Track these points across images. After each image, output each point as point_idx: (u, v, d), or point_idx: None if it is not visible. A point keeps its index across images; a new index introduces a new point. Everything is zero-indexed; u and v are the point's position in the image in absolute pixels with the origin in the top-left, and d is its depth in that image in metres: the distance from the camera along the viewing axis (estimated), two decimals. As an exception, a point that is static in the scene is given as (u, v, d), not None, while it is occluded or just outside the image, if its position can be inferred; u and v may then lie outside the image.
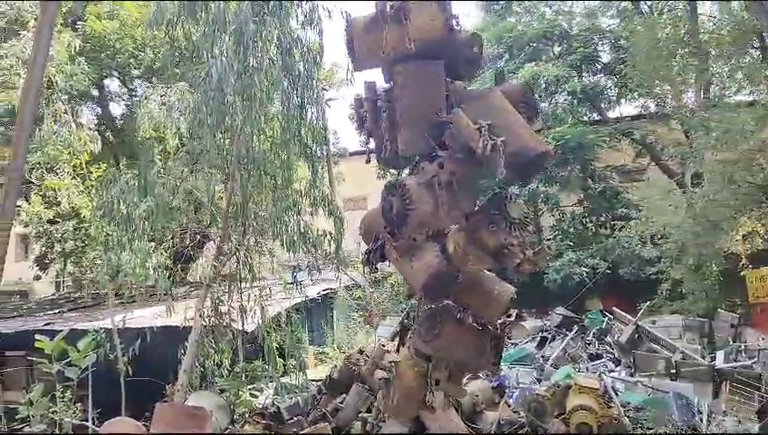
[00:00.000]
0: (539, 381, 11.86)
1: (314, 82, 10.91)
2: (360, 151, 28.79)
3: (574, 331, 15.64)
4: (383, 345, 7.76)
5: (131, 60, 19.41)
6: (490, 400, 7.68)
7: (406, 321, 7.85)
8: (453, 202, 5.84)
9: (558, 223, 21.57)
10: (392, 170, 8.40)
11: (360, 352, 9.05)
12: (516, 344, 15.30)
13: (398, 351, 6.99)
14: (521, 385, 10.97)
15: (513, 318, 6.66)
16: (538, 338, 15.79)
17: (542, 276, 18.72)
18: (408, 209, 5.77)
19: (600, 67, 23.31)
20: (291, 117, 10.36)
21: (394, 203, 5.87)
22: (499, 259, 6.05)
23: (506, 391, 9.54)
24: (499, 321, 6.56)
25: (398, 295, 19.90)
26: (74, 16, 18.94)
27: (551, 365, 12.83)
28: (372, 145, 6.94)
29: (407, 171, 7.30)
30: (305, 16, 10.48)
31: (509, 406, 8.56)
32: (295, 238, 10.43)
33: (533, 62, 22.42)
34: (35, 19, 12.02)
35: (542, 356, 14.07)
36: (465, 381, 7.30)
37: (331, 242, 11.16)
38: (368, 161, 6.86)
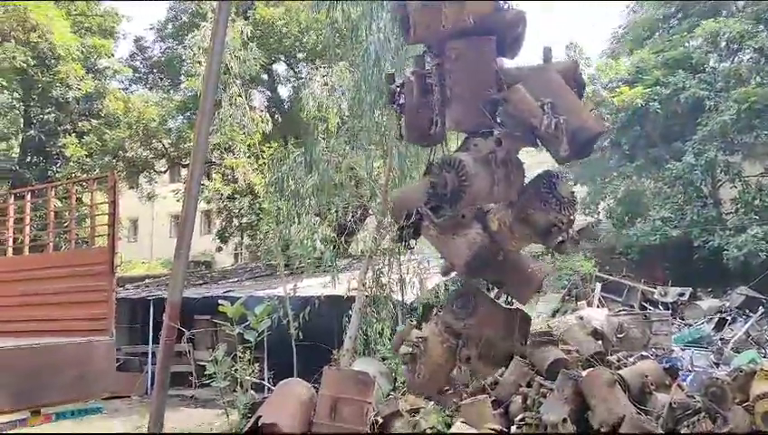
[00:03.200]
0: (716, 365, 10.96)
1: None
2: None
3: (759, 312, 14.19)
4: (413, 324, 7.69)
5: (296, 43, 20.47)
6: (660, 381, 7.20)
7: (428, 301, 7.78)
8: (508, 179, 5.84)
9: (741, 195, 19.60)
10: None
11: (520, 326, 8.90)
12: (690, 325, 14.22)
13: (419, 327, 7.01)
14: (696, 368, 10.21)
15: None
16: (715, 319, 14.54)
17: (722, 253, 17.17)
18: (464, 185, 5.68)
19: (792, 18, 20.60)
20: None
21: (449, 179, 5.75)
22: (545, 238, 6.08)
23: (679, 373, 8.93)
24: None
25: (560, 271, 19.30)
26: (245, 5, 20.31)
27: (731, 349, 11.77)
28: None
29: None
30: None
31: (682, 389, 8.00)
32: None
33: (712, 18, 20.37)
34: (213, 11, 13.02)
35: (721, 339, 12.94)
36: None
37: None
38: (400, 138, 6.75)
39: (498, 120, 5.98)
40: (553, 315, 14.93)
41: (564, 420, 5.95)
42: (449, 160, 5.87)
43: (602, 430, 6.05)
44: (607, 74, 21.59)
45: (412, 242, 6.62)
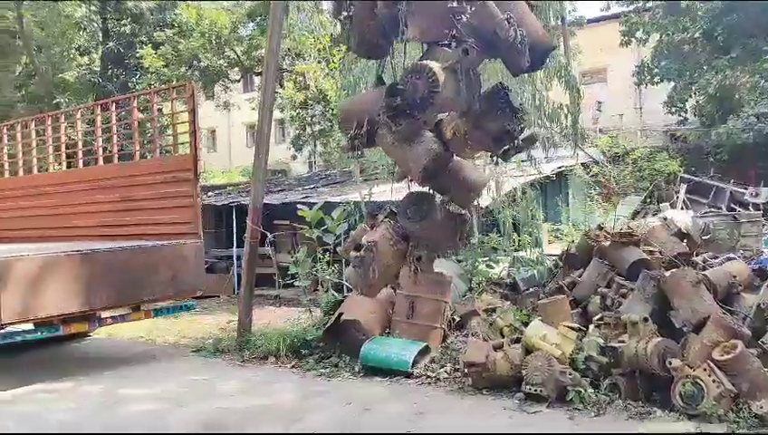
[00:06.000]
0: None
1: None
2: (598, 18, 26.45)
3: None
4: (364, 228, 7.97)
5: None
6: (749, 283, 6.96)
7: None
8: (470, 89, 6.06)
9: None
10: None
11: (600, 228, 8.73)
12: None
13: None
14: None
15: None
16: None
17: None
18: (433, 92, 5.94)
19: None
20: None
21: (419, 86, 5.99)
22: (497, 144, 6.51)
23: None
24: None
25: (642, 172, 18.61)
26: None
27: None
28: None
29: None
30: None
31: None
32: (530, 112, 10.13)
33: None
34: None
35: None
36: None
37: (568, 116, 10.65)
38: (348, 49, 6.95)
39: (461, 32, 6.15)
40: (634, 217, 14.52)
41: (645, 320, 5.89)
42: (419, 68, 6.11)
43: (685, 329, 5.96)
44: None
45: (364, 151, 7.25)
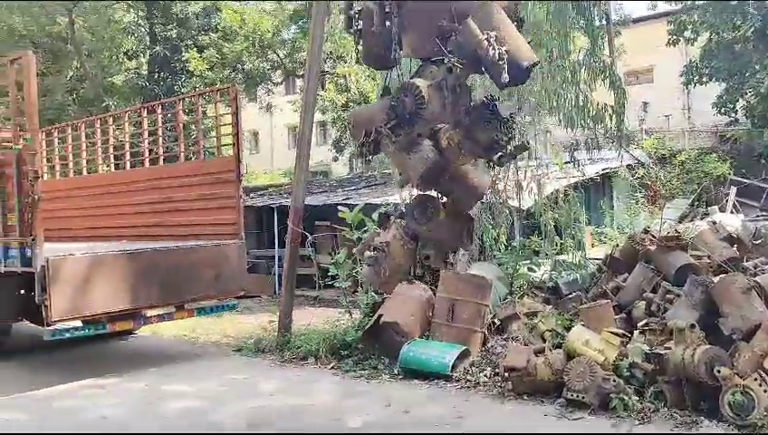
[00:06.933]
0: None
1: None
2: (645, 17, 25.86)
3: None
4: (376, 231, 8.40)
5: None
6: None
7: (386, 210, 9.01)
8: (456, 103, 6.61)
9: None
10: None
11: (646, 231, 8.52)
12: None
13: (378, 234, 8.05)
14: None
15: None
16: None
17: None
18: (420, 108, 6.48)
19: None
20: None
21: (407, 102, 6.55)
22: (488, 152, 6.98)
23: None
24: None
25: (690, 174, 18.12)
26: None
27: None
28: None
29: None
30: None
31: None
32: (573, 113, 9.98)
33: None
34: None
35: None
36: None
37: (612, 117, 10.44)
38: (357, 61, 7.34)
39: (449, 50, 6.64)
40: (681, 221, 14.15)
41: (692, 326, 5.72)
42: (407, 85, 6.67)
43: (734, 337, 5.77)
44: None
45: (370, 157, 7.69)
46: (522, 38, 6.77)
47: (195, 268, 8.13)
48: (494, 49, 6.22)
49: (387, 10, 7.12)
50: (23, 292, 8.03)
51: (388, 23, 7.12)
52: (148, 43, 23.33)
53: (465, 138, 6.96)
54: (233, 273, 8.55)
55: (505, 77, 6.32)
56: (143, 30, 23.51)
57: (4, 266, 7.60)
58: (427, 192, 7.91)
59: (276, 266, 14.43)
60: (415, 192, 8.42)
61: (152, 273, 7.73)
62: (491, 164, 8.05)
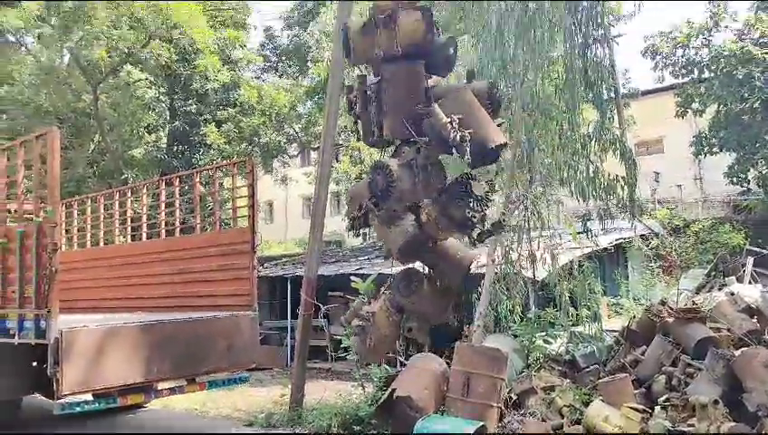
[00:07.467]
0: None
1: (600, 17, 10.24)
2: (653, 90, 26.36)
3: None
4: (363, 301, 8.54)
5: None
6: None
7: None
8: (427, 181, 6.86)
9: None
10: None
11: (662, 303, 8.42)
12: None
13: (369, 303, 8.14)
14: None
15: None
16: None
17: None
18: (390, 186, 6.78)
19: None
20: (574, 58, 9.89)
21: (379, 180, 6.88)
22: (463, 229, 7.17)
23: None
24: None
25: (705, 244, 18.00)
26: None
27: None
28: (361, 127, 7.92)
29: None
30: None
31: None
32: (585, 184, 10.05)
33: None
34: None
35: None
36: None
37: (624, 187, 10.50)
38: (357, 140, 7.61)
39: (423, 131, 6.98)
40: (698, 292, 13.94)
41: (715, 402, 5.58)
42: (378, 164, 7.07)
43: (759, 413, 5.60)
44: (757, 29, 19.61)
45: (362, 230, 7.90)
46: (489, 120, 7.05)
47: (207, 340, 8.09)
48: (455, 132, 6.58)
49: (368, 93, 7.49)
50: (35, 364, 8.01)
51: (368, 107, 7.53)
52: (168, 118, 24.07)
53: (441, 214, 7.13)
54: (245, 345, 8.49)
55: (467, 157, 6.66)
56: (164, 105, 24.31)
57: (19, 339, 7.60)
58: (412, 265, 8.06)
59: (289, 337, 14.31)
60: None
61: (165, 345, 7.70)
62: (470, 240, 8.17)
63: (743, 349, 6.54)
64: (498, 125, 7.43)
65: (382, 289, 8.20)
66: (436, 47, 7.38)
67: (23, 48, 22.66)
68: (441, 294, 7.84)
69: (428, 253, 7.72)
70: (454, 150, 6.91)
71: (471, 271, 8.16)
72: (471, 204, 7.04)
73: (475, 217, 7.11)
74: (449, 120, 6.71)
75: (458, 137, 6.62)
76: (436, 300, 7.79)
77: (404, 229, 7.31)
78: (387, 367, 8.84)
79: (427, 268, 8.06)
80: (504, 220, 8.67)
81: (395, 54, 7.16)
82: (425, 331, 8.16)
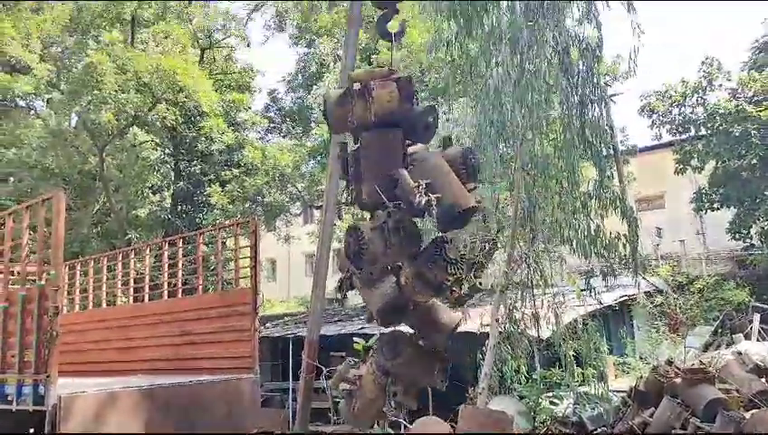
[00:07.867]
0: None
1: (595, 78, 10.48)
2: (651, 147, 26.69)
3: None
4: (351, 363, 8.38)
5: (417, 84, 20.91)
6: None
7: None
8: (399, 244, 6.74)
9: None
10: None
11: (670, 362, 8.31)
12: None
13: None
14: None
15: None
16: None
17: None
18: (362, 249, 6.72)
19: None
20: (572, 118, 10.08)
21: (351, 243, 6.84)
22: (438, 292, 6.94)
23: None
24: None
25: (710, 301, 17.86)
26: (370, 52, 21.14)
27: None
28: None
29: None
30: (581, 12, 10.14)
31: None
32: (586, 242, 10.07)
33: None
34: (338, 59, 13.58)
35: None
36: None
37: (626, 245, 10.51)
38: (347, 204, 7.76)
39: (395, 195, 6.85)
40: (705, 350, 13.77)
41: (727, 467, 5.43)
42: (352, 227, 7.00)
43: (773, 478, 5.46)
44: (751, 87, 20.02)
45: (348, 293, 7.58)
46: (460, 185, 7.07)
47: (207, 405, 7.96)
48: (420, 196, 6.58)
49: (347, 160, 7.72)
50: (32, 431, 7.86)
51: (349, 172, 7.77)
52: (172, 178, 24.36)
53: (416, 277, 7.32)
54: (245, 409, 8.35)
55: (434, 221, 6.69)
56: (168, 166, 24.64)
57: (17, 405, 7.49)
58: (398, 327, 8.07)
59: (290, 399, 14.06)
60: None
61: (165, 410, 7.57)
62: (451, 304, 8.21)
63: (753, 411, 6.42)
64: (470, 190, 7.57)
65: (370, 352, 8.18)
66: (415, 116, 7.71)
67: (32, 112, 23.18)
68: (427, 356, 7.69)
69: (411, 315, 7.84)
70: (426, 214, 7.14)
71: (455, 332, 8.21)
72: (446, 267, 6.97)
73: (448, 281, 6.98)
74: (416, 184, 7.01)
75: (423, 201, 6.92)
76: (422, 363, 7.58)
77: (383, 292, 7.22)
78: (390, 430, 8.66)
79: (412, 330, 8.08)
80: (481, 284, 8.67)
81: (369, 123, 7.47)
82: (412, 395, 8.16)
